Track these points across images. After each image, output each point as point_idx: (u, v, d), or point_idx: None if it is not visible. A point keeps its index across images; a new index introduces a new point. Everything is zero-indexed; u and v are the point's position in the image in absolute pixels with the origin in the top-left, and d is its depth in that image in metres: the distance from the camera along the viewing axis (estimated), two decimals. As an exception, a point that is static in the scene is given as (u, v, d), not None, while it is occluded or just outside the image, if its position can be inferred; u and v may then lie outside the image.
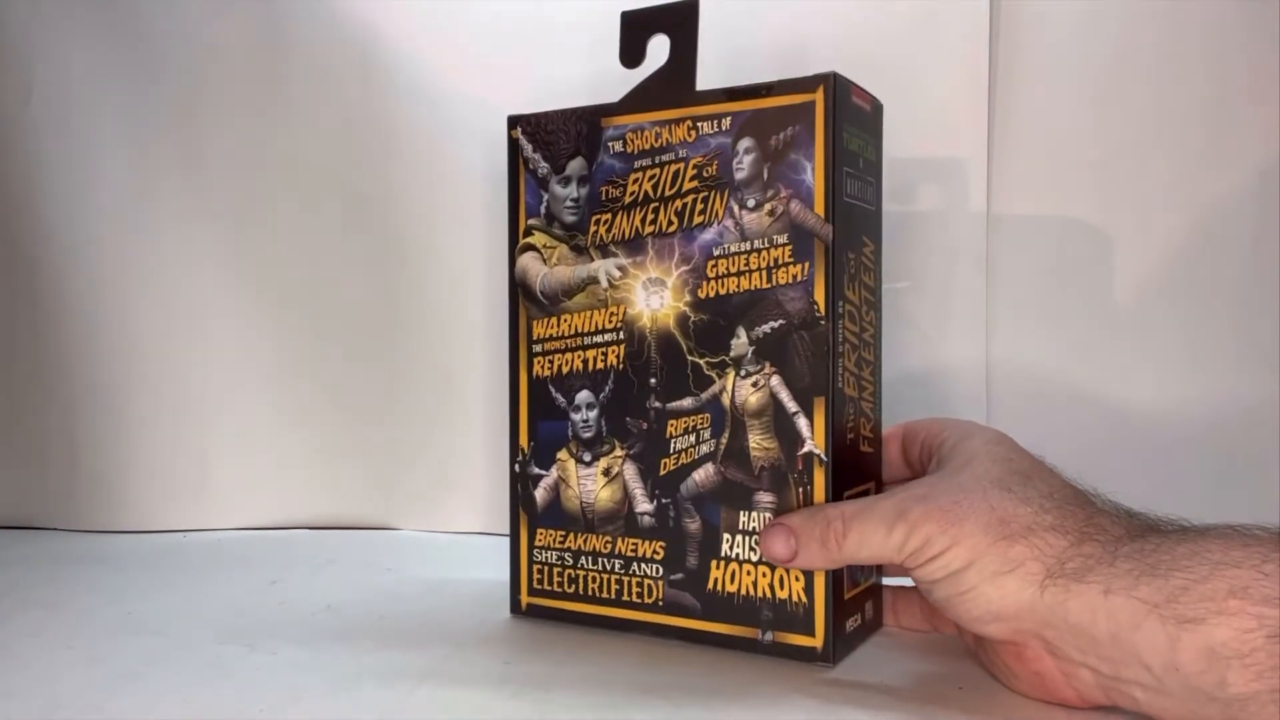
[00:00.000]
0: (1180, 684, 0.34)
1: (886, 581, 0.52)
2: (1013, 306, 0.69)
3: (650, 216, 0.49)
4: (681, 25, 0.48)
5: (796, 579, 0.46)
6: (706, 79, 0.48)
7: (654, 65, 0.49)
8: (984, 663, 0.44)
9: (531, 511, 0.53)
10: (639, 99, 0.49)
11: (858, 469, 0.48)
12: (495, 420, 0.74)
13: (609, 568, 0.50)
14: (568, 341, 0.51)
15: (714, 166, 0.47)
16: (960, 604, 0.40)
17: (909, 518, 0.40)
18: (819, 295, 0.45)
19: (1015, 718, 0.40)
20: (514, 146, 0.53)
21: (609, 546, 0.50)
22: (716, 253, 0.47)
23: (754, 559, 0.46)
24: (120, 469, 0.78)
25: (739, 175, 0.46)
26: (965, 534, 0.39)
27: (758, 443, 0.46)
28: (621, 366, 0.50)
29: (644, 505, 0.49)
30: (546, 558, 0.52)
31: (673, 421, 0.48)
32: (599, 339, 0.50)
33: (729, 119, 0.46)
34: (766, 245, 0.46)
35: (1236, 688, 0.33)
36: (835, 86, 0.44)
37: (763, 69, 0.50)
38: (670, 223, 0.48)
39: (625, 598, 0.50)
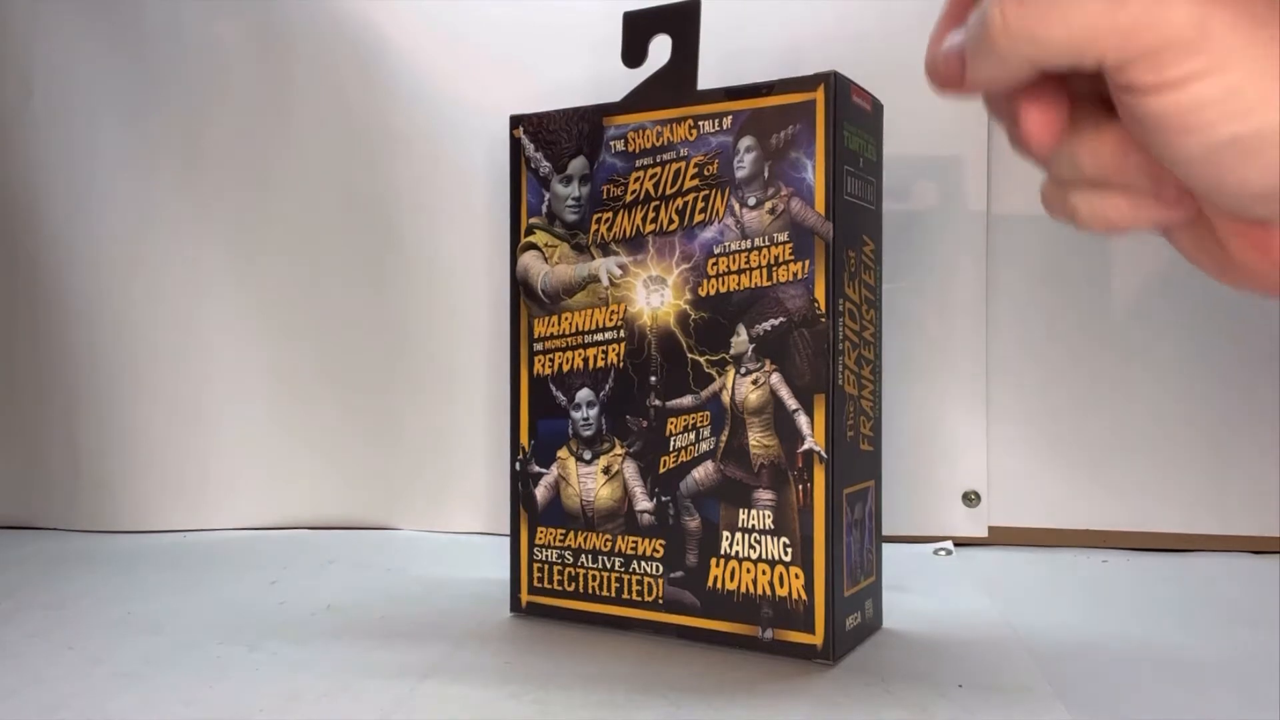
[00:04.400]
0: None
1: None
2: (1013, 306, 0.69)
3: (651, 215, 0.49)
4: (683, 25, 0.48)
5: (796, 576, 0.46)
6: (707, 78, 0.48)
7: (656, 65, 0.49)
8: (1185, 245, 0.27)
9: (532, 510, 0.53)
10: (641, 98, 0.49)
11: (858, 466, 0.48)
12: (495, 419, 0.74)
13: (609, 566, 0.50)
14: (568, 340, 0.51)
15: (715, 165, 0.47)
16: (1230, 166, 0.22)
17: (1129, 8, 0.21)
18: (819, 293, 0.45)
19: (1014, 715, 0.40)
20: (516, 146, 0.53)
21: (609, 544, 0.50)
22: (717, 251, 0.47)
23: (754, 556, 0.47)
24: (120, 469, 0.78)
25: (740, 174, 0.46)
26: (1240, 45, 0.21)
27: (758, 440, 0.46)
28: (622, 365, 0.50)
29: (644, 503, 0.49)
30: (547, 556, 0.52)
31: (673, 419, 0.48)
32: (600, 337, 0.50)
33: (730, 118, 0.47)
34: (767, 243, 0.46)
35: None
36: (835, 85, 0.45)
37: (764, 68, 0.50)
38: (671, 221, 0.48)
39: (625, 596, 0.50)
